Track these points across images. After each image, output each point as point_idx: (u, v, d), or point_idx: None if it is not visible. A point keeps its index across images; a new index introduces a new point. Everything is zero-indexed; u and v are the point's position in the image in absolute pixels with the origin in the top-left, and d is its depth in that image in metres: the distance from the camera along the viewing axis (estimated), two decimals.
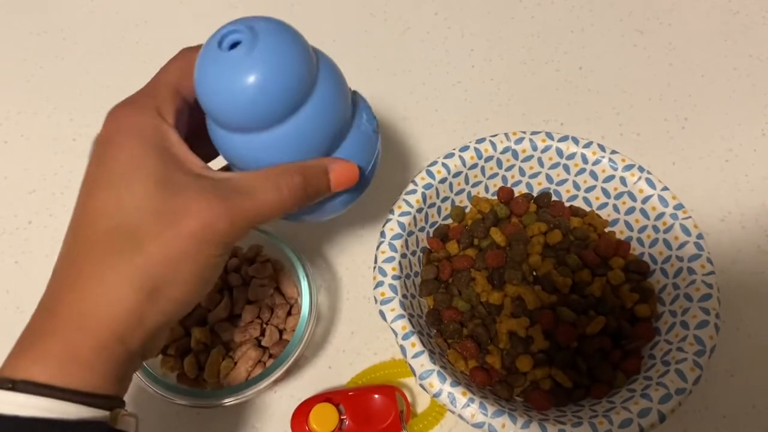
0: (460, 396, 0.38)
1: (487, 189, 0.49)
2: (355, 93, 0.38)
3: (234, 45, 0.30)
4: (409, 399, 0.44)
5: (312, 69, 0.32)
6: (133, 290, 0.28)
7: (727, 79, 0.56)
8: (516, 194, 0.49)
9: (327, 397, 0.41)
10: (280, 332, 0.42)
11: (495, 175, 0.48)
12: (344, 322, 0.47)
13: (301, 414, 0.41)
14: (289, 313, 0.43)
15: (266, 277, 0.43)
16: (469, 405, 0.37)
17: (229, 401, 0.38)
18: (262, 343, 0.41)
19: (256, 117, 0.31)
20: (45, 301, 0.29)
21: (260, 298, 0.43)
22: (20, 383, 0.26)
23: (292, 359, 0.39)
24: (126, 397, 0.30)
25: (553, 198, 0.49)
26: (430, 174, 0.46)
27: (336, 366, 0.45)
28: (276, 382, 0.41)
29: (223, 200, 0.29)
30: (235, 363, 0.41)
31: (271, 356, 0.41)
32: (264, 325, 0.42)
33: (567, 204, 0.49)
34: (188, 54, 0.33)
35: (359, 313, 0.47)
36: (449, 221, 0.48)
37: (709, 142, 0.53)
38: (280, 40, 0.30)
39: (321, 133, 0.33)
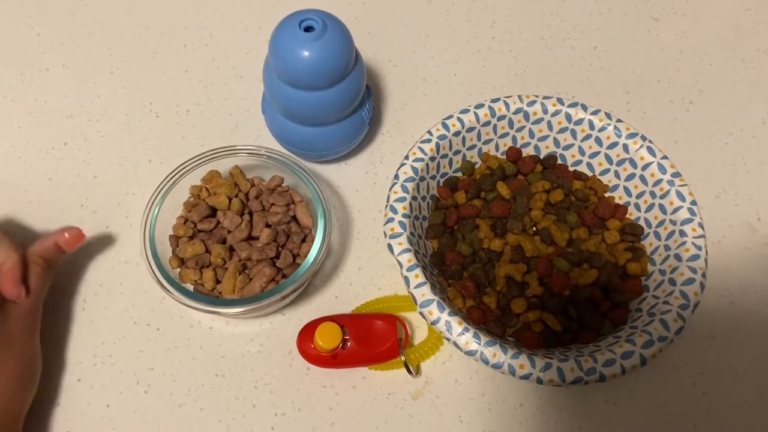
0: (456, 325, 0.40)
1: (497, 147, 0.52)
2: (368, 87, 0.52)
3: (308, 29, 0.44)
4: (408, 331, 0.47)
5: (351, 60, 0.46)
6: None
7: (734, 70, 0.59)
8: (524, 155, 0.52)
9: (332, 318, 0.44)
10: (294, 256, 0.45)
11: (506, 134, 0.51)
12: (353, 258, 0.50)
13: (308, 332, 0.44)
14: (303, 241, 0.46)
15: (284, 205, 0.46)
16: (464, 333, 0.40)
17: (242, 309, 0.41)
18: (277, 264, 0.44)
19: (311, 81, 0.44)
20: None
21: (277, 223, 0.46)
22: None
23: (302, 279, 0.42)
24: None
25: (559, 161, 0.52)
26: (446, 126, 0.48)
27: (342, 296, 0.48)
28: (285, 300, 0.44)
29: None
30: (251, 279, 0.43)
31: (284, 276, 0.44)
32: (279, 248, 0.45)
33: (571, 168, 0.52)
34: None
35: (368, 251, 0.50)
36: (459, 174, 0.51)
37: (711, 125, 0.56)
38: (339, 35, 0.44)
39: (345, 103, 0.48)
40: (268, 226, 0.46)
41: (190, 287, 0.44)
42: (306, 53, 0.43)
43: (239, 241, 0.45)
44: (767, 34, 0.61)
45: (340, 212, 0.52)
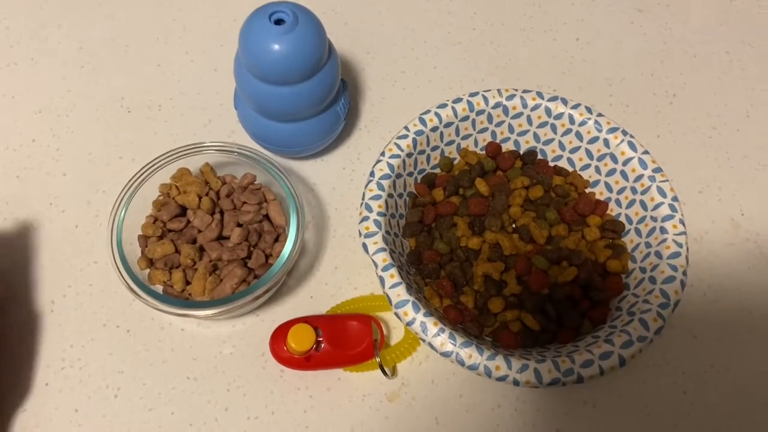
0: (432, 326, 0.39)
1: (476, 143, 0.50)
2: (343, 81, 0.51)
3: (279, 21, 0.42)
4: (384, 331, 0.46)
5: (324, 54, 0.45)
6: None
7: (719, 62, 0.58)
8: (504, 150, 0.51)
9: (306, 319, 0.43)
10: (266, 257, 0.44)
11: (485, 129, 0.50)
12: (329, 257, 0.49)
13: (280, 334, 0.42)
14: (276, 240, 0.45)
15: (256, 204, 0.45)
16: (439, 334, 0.39)
17: (213, 311, 0.40)
18: (248, 264, 0.43)
19: (282, 75, 0.43)
20: None
21: (249, 222, 0.44)
22: None
23: (275, 280, 0.41)
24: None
25: (539, 157, 0.51)
26: (423, 121, 0.47)
27: (318, 297, 0.47)
28: (258, 301, 0.43)
29: None
30: (221, 280, 0.42)
31: (255, 277, 0.43)
32: (251, 248, 0.44)
33: (552, 163, 0.51)
34: None
35: (344, 250, 0.49)
36: (437, 170, 0.50)
37: (695, 118, 0.55)
38: (311, 27, 0.43)
39: (318, 98, 0.46)
40: (239, 225, 0.45)
41: (160, 289, 0.43)
42: (276, 47, 0.42)
43: (210, 241, 0.44)
44: (752, 26, 0.60)
45: (315, 210, 0.51)
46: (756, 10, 0.61)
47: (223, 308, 0.40)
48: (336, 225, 0.50)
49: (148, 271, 0.44)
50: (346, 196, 0.51)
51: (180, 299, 0.42)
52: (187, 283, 0.43)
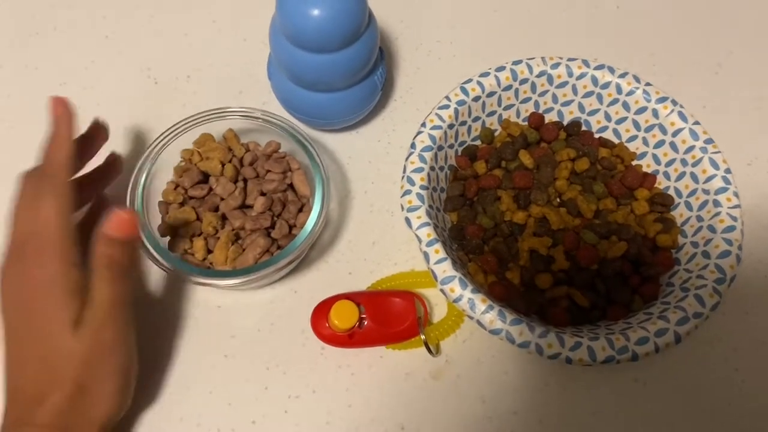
0: (480, 303, 0.38)
1: (518, 113, 0.49)
2: (381, 50, 0.48)
3: None
4: (428, 308, 0.44)
5: (364, 21, 0.43)
6: None
7: (767, 27, 0.56)
8: (547, 121, 0.49)
9: (348, 296, 0.42)
10: (290, 227, 0.43)
11: (528, 99, 0.48)
12: (367, 232, 0.47)
13: (322, 310, 0.41)
14: (300, 210, 0.43)
15: (280, 173, 0.44)
16: (488, 312, 0.38)
17: (235, 281, 0.39)
18: (272, 235, 0.42)
19: (321, 42, 0.41)
20: None
21: (273, 191, 0.43)
22: None
23: (299, 251, 0.40)
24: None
25: (583, 128, 0.49)
26: (464, 91, 0.46)
27: (356, 273, 0.46)
28: (281, 272, 0.42)
29: None
30: (244, 249, 0.41)
31: (279, 247, 0.42)
32: (275, 218, 0.43)
33: (597, 135, 0.49)
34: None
35: (382, 225, 0.47)
36: (478, 142, 0.48)
37: (742, 88, 0.53)
38: None
39: (357, 67, 0.44)
40: (263, 194, 0.43)
41: (179, 256, 0.42)
42: (315, 12, 0.40)
43: (232, 210, 0.43)
44: None
45: (351, 184, 0.49)
46: None
47: (245, 278, 0.39)
48: (373, 200, 0.48)
49: (168, 238, 0.43)
50: (382, 170, 0.49)
51: (201, 267, 0.41)
52: (209, 251, 0.42)
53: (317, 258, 0.46)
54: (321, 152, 0.43)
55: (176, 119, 0.49)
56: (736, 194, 0.42)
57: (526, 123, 0.49)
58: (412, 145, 0.43)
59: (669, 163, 0.46)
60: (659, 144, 0.46)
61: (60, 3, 0.57)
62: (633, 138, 0.48)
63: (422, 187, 0.42)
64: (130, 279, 0.37)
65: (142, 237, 0.39)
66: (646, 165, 0.47)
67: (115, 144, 0.50)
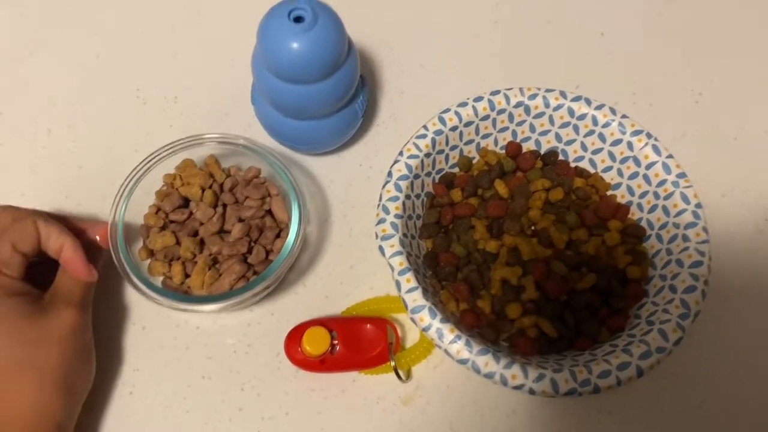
0: (448, 332, 0.39)
1: (496, 142, 0.49)
2: (362, 77, 0.50)
3: (298, 18, 0.41)
4: (399, 334, 0.45)
5: (344, 53, 0.44)
6: None
7: (750, 57, 0.56)
8: (524, 150, 0.50)
9: (321, 322, 0.43)
10: (267, 252, 0.44)
11: (505, 128, 0.49)
12: (345, 256, 0.48)
13: (295, 336, 0.42)
14: (277, 236, 0.45)
15: (259, 199, 0.45)
16: (456, 341, 0.39)
17: (210, 307, 0.40)
18: (249, 260, 0.43)
19: (300, 74, 0.42)
20: None
21: (251, 218, 0.44)
22: None
23: (275, 276, 0.41)
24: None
25: (560, 157, 0.50)
26: (442, 121, 0.46)
27: (333, 296, 0.47)
28: (258, 296, 0.43)
29: None
30: (220, 274, 0.42)
31: (255, 273, 0.43)
32: (252, 244, 0.44)
33: (573, 164, 0.50)
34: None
35: (361, 249, 0.49)
36: (456, 170, 0.49)
37: (721, 119, 0.54)
38: (331, 25, 0.42)
39: (336, 97, 0.45)
40: (240, 220, 0.44)
41: (159, 280, 0.43)
42: (295, 45, 0.41)
43: (210, 235, 0.44)
44: None
45: (331, 208, 0.50)
46: None
47: (220, 304, 0.40)
48: (353, 223, 0.50)
49: (148, 261, 0.44)
50: (363, 194, 0.50)
51: (179, 293, 0.42)
52: (187, 276, 0.43)
53: (295, 281, 0.47)
54: (303, 175, 0.44)
55: (163, 140, 0.50)
56: (705, 230, 0.43)
57: (504, 151, 0.50)
58: (389, 174, 0.44)
59: (642, 195, 0.47)
60: (633, 176, 0.47)
61: (53, 21, 0.58)
62: (608, 168, 0.48)
63: (397, 216, 0.43)
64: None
65: (123, 261, 0.41)
66: (621, 196, 0.48)
67: (102, 164, 0.51)
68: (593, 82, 0.55)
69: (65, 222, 0.43)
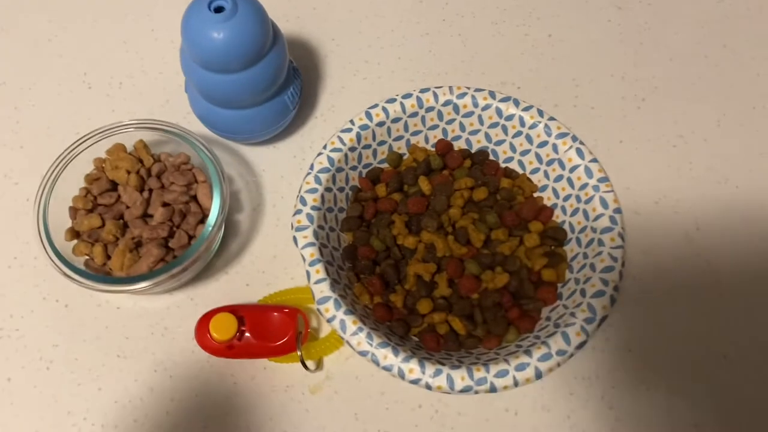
0: (351, 324, 0.40)
1: (427, 139, 0.50)
2: (296, 69, 0.51)
3: (218, 9, 0.42)
4: (315, 325, 0.46)
5: (267, 42, 0.44)
6: None
7: (695, 66, 0.56)
8: (455, 148, 0.50)
9: (232, 308, 0.43)
10: (189, 237, 0.45)
11: (435, 126, 0.49)
12: (269, 245, 0.49)
13: (205, 322, 0.43)
14: (201, 222, 0.45)
15: (184, 185, 0.45)
16: (357, 333, 0.39)
17: (129, 288, 0.41)
18: (170, 245, 0.44)
19: (223, 63, 0.43)
20: None
21: (173, 202, 0.45)
22: None
23: (192, 259, 0.42)
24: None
25: (490, 157, 0.50)
26: (369, 116, 0.47)
27: (253, 284, 0.47)
28: (179, 279, 0.44)
29: None
30: (141, 257, 0.43)
31: (175, 257, 0.44)
32: (174, 228, 0.45)
33: (503, 165, 0.50)
34: None
35: (284, 239, 0.49)
36: (385, 165, 0.50)
37: (662, 125, 0.53)
38: (252, 15, 0.42)
39: (262, 86, 0.46)
40: (164, 204, 0.45)
41: (82, 261, 0.44)
42: (215, 35, 0.42)
43: (134, 218, 0.45)
44: (736, 29, 0.57)
45: (260, 197, 0.51)
46: (743, 13, 0.58)
47: (137, 286, 0.41)
48: (281, 213, 0.50)
49: (74, 242, 0.45)
50: (293, 186, 0.51)
51: (100, 274, 0.43)
52: (108, 257, 0.44)
53: (221, 268, 0.48)
54: (238, 164, 0.44)
55: (104, 123, 0.51)
56: (621, 235, 0.43)
57: (434, 149, 0.50)
58: (311, 166, 0.45)
59: (566, 198, 0.47)
60: (558, 178, 0.47)
61: (9, 3, 0.59)
62: (536, 170, 0.48)
63: (314, 208, 0.44)
64: None
65: (44, 242, 0.42)
66: (547, 198, 0.48)
67: (44, 145, 0.52)
68: (535, 84, 0.55)
69: None
